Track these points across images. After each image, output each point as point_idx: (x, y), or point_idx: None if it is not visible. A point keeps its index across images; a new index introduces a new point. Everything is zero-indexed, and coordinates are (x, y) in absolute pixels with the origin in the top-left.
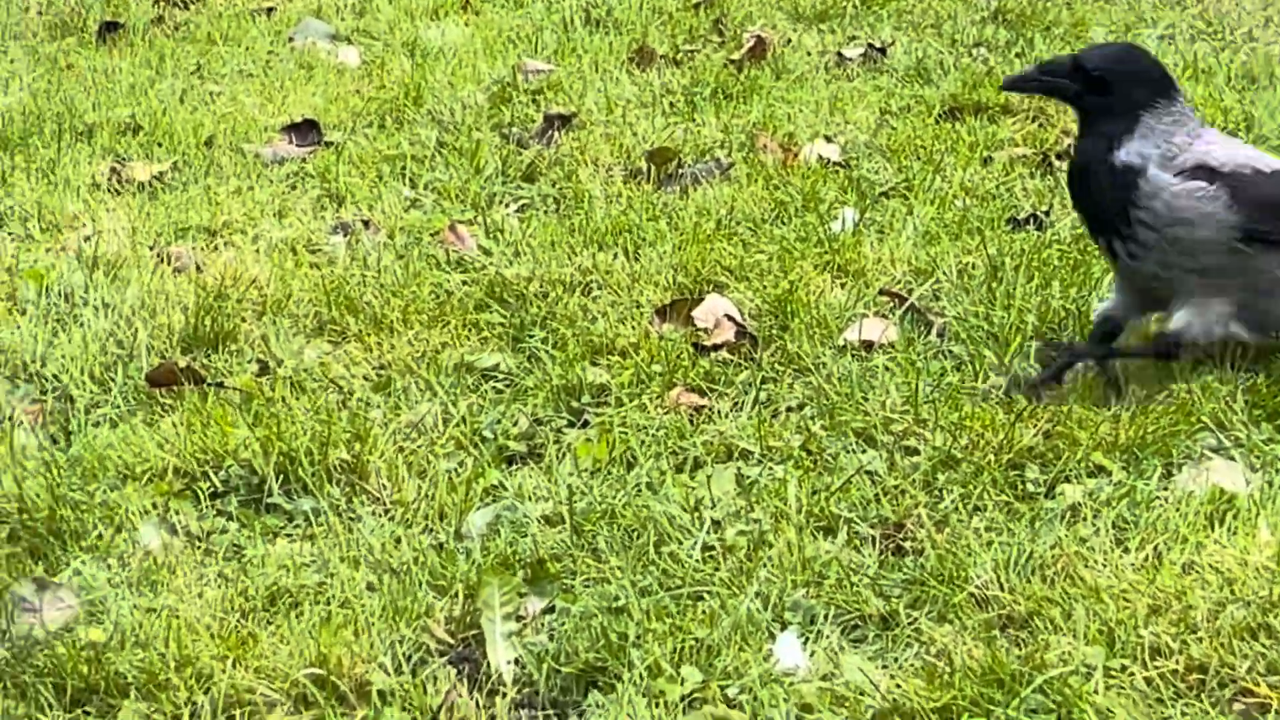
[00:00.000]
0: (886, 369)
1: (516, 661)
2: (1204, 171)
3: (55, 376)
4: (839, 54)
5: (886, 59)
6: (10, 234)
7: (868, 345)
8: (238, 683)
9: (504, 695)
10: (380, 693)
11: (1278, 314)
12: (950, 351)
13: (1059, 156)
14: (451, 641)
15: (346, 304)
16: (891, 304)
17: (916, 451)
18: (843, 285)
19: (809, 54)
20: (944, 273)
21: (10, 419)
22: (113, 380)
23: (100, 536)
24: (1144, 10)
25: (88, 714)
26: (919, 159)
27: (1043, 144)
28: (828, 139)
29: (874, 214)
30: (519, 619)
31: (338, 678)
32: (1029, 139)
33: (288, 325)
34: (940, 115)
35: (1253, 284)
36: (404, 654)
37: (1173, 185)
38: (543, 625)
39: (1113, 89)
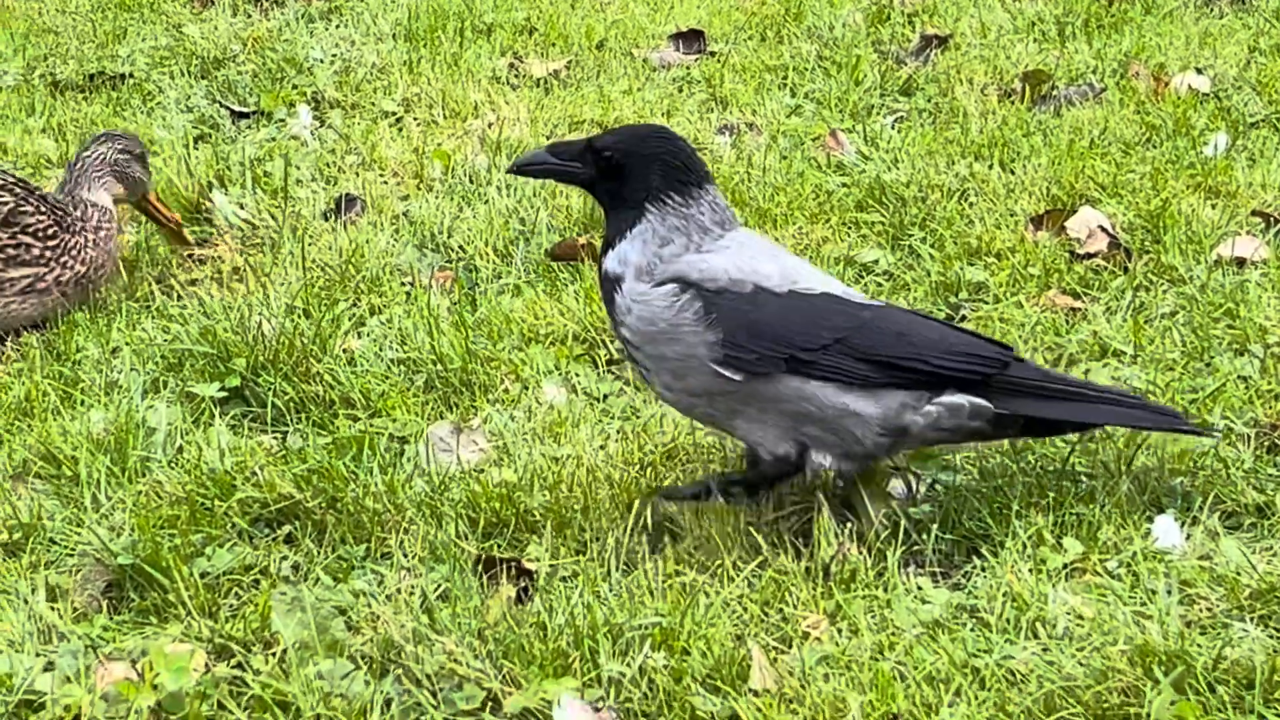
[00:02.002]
0: (1259, 284)
1: (898, 526)
2: (679, 282)
3: (460, 247)
4: None
5: (1256, 0)
6: (416, 118)
7: (1240, 261)
8: (637, 526)
9: (892, 552)
10: (771, 544)
11: (849, 441)
12: None
13: None
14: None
15: (733, 198)
16: (1263, 224)
17: None
18: (1213, 206)
19: None
20: None
21: (423, 283)
22: (514, 253)
23: (507, 390)
24: None
25: (499, 545)
26: None
27: None
28: (1198, 70)
29: (1244, 142)
30: (889, 493)
31: (731, 529)
32: None
33: None
34: None
35: (788, 411)
36: (793, 512)
37: (645, 295)
38: (928, 496)
39: (625, 175)
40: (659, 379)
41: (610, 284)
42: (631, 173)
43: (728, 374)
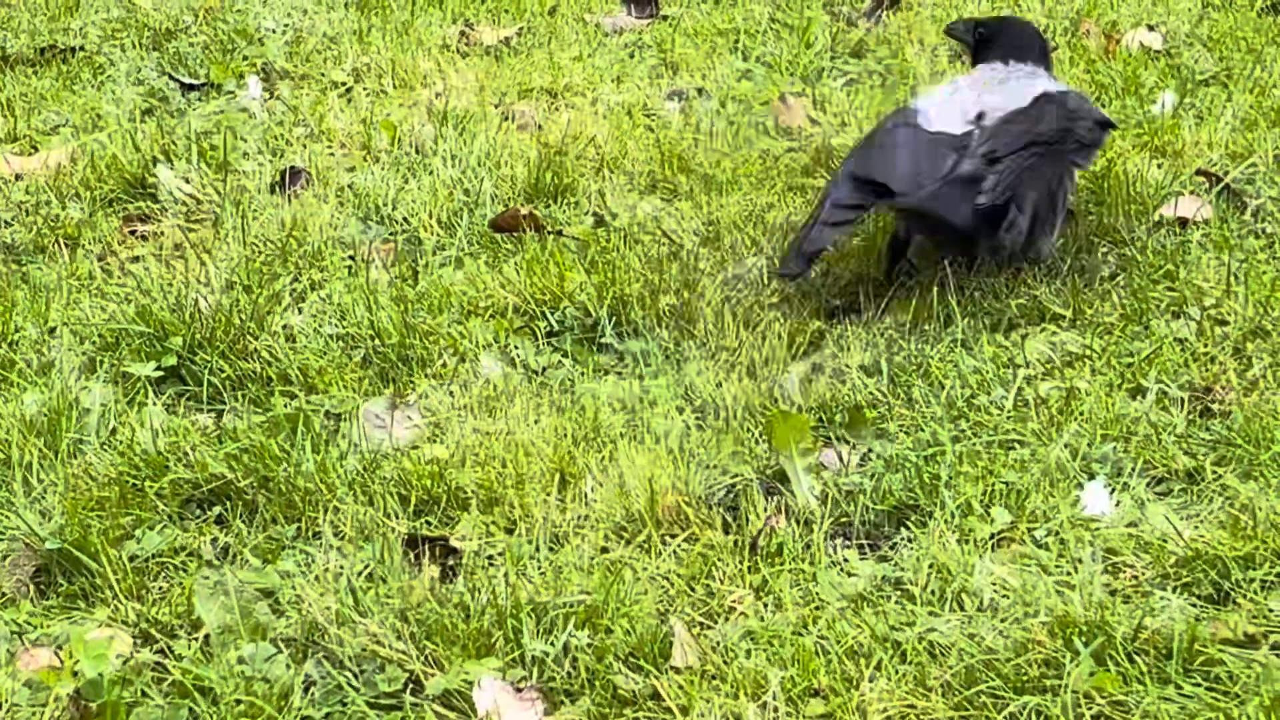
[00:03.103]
0: (1200, 244)
1: (827, 498)
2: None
3: (405, 219)
4: None
5: None
6: (366, 88)
7: (1182, 222)
8: (567, 502)
9: (819, 525)
10: (702, 519)
11: None
12: (1264, 230)
13: None
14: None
15: (679, 164)
16: (1207, 184)
17: (1227, 322)
18: (1159, 165)
19: None
20: (1260, 157)
21: (363, 256)
22: (458, 224)
23: (444, 365)
24: None
25: (430, 524)
26: (1240, 50)
27: None
28: (1150, 27)
29: (1193, 99)
30: (821, 464)
31: (662, 505)
32: None
33: (623, 182)
34: (1262, 9)
35: None
36: (723, 486)
37: None
38: (859, 467)
39: (982, 46)
40: None
41: None
42: (984, 45)
43: None
